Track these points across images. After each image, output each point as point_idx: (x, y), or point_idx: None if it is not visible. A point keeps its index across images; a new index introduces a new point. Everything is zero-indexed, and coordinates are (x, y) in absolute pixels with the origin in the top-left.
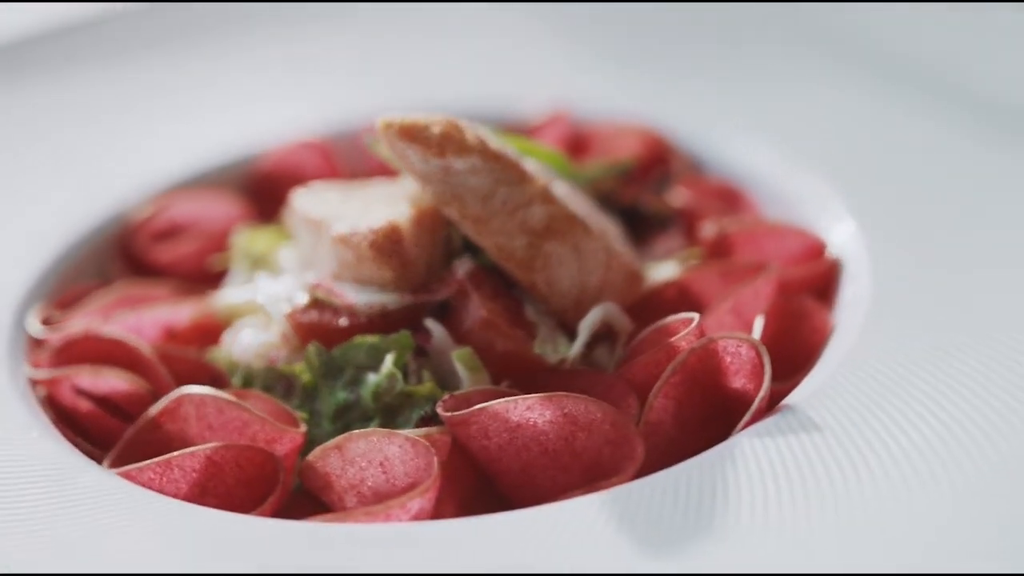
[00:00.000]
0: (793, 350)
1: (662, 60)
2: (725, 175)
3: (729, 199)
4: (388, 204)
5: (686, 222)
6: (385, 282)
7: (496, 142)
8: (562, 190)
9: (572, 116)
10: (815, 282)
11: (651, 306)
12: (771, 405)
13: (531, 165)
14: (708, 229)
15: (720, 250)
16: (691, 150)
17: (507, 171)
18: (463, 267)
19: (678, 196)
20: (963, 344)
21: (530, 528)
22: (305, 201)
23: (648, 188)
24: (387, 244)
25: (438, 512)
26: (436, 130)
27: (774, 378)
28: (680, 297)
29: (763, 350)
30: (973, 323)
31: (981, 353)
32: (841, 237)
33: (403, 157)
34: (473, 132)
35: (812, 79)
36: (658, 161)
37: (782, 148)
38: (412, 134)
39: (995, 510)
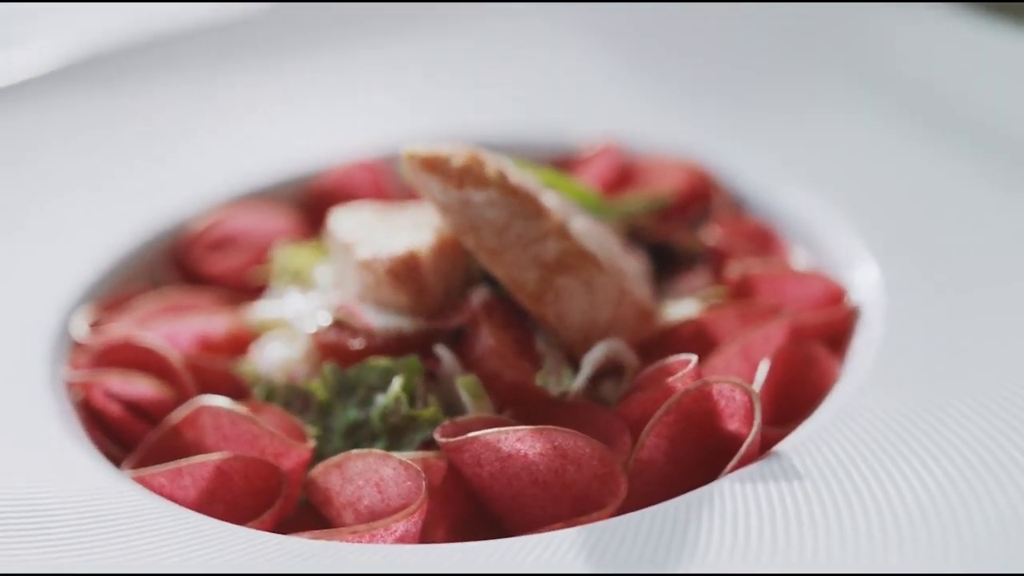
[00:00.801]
0: (798, 396)
1: (717, 97)
2: (764, 216)
3: (762, 240)
4: (413, 231)
5: (715, 261)
6: (402, 307)
7: (517, 176)
8: (582, 226)
9: (622, 148)
10: (831, 329)
11: (667, 343)
12: (765, 450)
13: (551, 200)
14: (733, 270)
15: (743, 291)
16: (735, 189)
17: (524, 205)
18: (478, 296)
19: (711, 234)
20: (967, 402)
21: (499, 558)
22: (341, 221)
23: (684, 224)
24: (404, 271)
25: (428, 535)
26: (456, 163)
27: (775, 423)
28: (696, 336)
29: (755, 396)
30: (981, 382)
31: (984, 413)
32: (864, 285)
33: (425, 187)
34: (494, 165)
35: (866, 126)
36: (700, 198)
37: (821, 192)
38: (433, 166)
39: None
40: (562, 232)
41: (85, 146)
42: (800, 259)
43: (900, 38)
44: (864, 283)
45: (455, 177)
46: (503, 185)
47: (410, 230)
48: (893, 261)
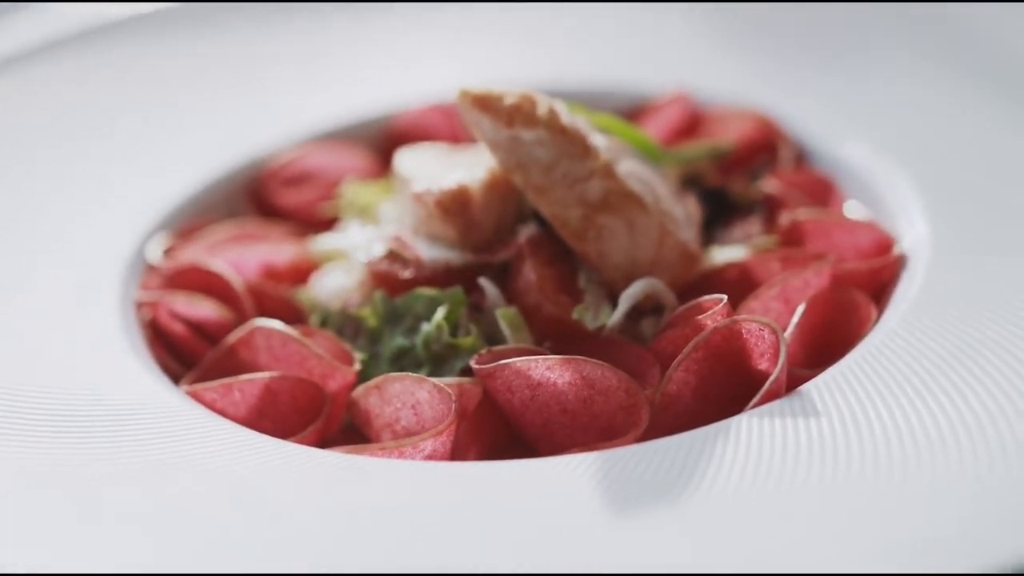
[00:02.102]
0: (833, 340)
1: (788, 49)
2: (826, 168)
3: (820, 191)
4: (468, 168)
5: (771, 210)
6: (451, 240)
7: (568, 117)
8: (630, 168)
9: (693, 98)
10: (875, 277)
11: (711, 286)
12: (791, 389)
13: (600, 142)
14: (784, 218)
15: (793, 239)
16: (801, 140)
17: (572, 145)
18: (525, 232)
19: (769, 184)
20: (995, 351)
21: (516, 476)
22: (404, 159)
23: (745, 173)
24: (453, 205)
25: (460, 456)
26: (508, 101)
27: (807, 365)
28: (741, 279)
29: (782, 335)
30: (1012, 335)
31: (1012, 362)
32: (912, 237)
33: (477, 125)
34: (546, 106)
35: (927, 83)
36: (766, 148)
37: (880, 146)
38: (485, 104)
39: (977, 512)
40: (608, 172)
41: (175, 84)
42: (856, 211)
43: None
44: (913, 235)
45: (505, 115)
46: (552, 125)
47: (465, 168)
48: (944, 215)
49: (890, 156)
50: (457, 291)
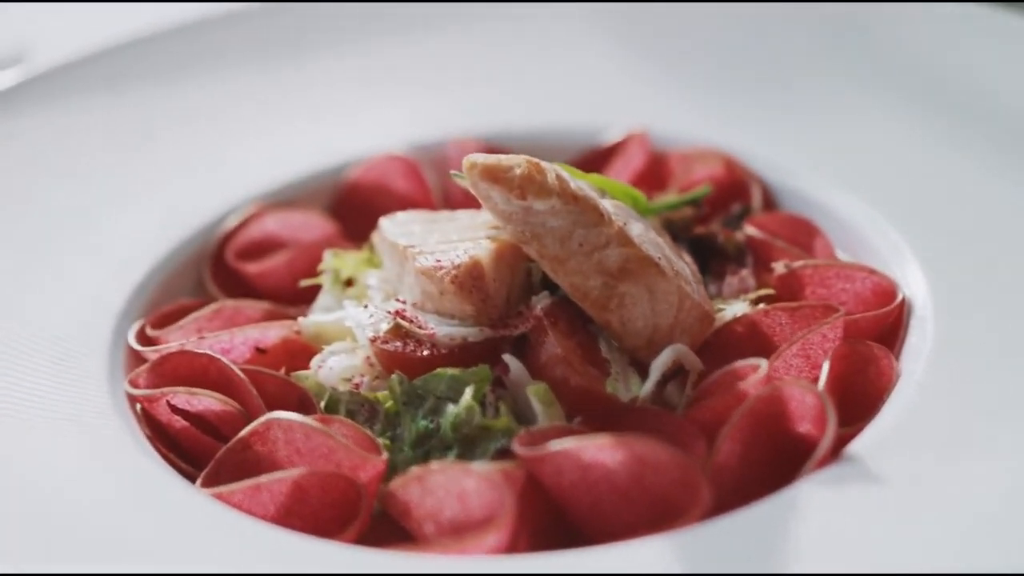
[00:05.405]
0: (858, 395)
1: (745, 89)
2: (800, 210)
3: (804, 234)
4: (470, 237)
5: (759, 257)
6: (466, 315)
7: (575, 183)
8: (637, 230)
9: (652, 139)
10: (879, 324)
11: (720, 342)
12: (835, 451)
13: (608, 205)
14: (778, 267)
15: (789, 287)
16: (770, 182)
17: (585, 213)
18: (541, 303)
19: (752, 229)
20: None
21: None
22: (390, 228)
23: (724, 220)
24: (468, 280)
25: (512, 545)
26: (518, 172)
27: (838, 423)
28: (749, 335)
29: (827, 399)
30: None
31: None
32: (907, 280)
33: (486, 197)
34: (553, 173)
35: (894, 118)
36: (738, 191)
37: (859, 186)
38: (494, 175)
39: None
40: (624, 238)
41: (116, 153)
42: (842, 253)
43: (932, 36)
44: (909, 279)
45: (517, 187)
46: (564, 194)
47: (465, 237)
48: (932, 256)
49: (864, 195)
50: (484, 369)
